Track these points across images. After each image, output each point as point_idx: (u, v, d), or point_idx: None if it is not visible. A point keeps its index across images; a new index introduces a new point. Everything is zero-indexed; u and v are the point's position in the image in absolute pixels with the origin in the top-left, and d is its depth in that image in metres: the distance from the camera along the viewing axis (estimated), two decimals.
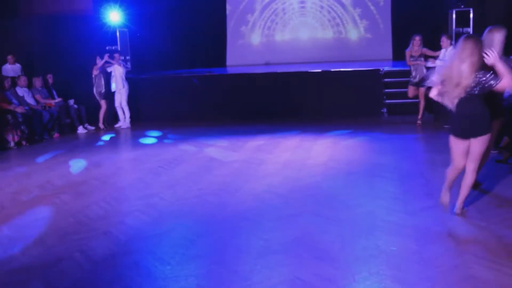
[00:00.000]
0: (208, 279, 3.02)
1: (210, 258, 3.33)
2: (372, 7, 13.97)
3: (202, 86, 10.26)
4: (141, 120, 10.20)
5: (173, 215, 4.32)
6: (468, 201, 4.13)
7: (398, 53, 12.93)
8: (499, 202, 4.13)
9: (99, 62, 9.41)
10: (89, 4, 10.95)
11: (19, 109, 8.25)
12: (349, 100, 9.35)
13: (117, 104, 9.71)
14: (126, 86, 9.66)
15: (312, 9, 14.41)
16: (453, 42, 9.10)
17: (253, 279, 2.97)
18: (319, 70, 9.86)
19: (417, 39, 7.88)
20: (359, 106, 9.34)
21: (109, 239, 3.80)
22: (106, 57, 9.48)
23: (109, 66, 9.59)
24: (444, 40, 7.57)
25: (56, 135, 8.99)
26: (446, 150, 6.23)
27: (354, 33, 14.30)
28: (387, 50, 13.72)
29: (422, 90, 7.88)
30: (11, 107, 8.21)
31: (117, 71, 9.54)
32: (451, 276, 2.86)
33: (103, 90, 9.53)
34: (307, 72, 9.96)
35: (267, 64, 10.73)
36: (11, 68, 10.38)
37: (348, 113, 9.25)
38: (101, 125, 9.65)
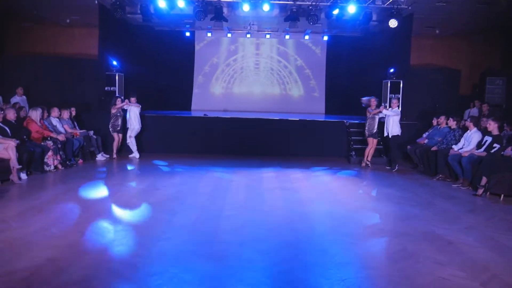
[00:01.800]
0: None
1: None
2: (310, 73, 17.45)
3: (197, 125, 12.17)
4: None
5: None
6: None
7: (329, 109, 16.54)
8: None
9: (119, 104, 10.81)
10: (95, 50, 12.29)
11: (61, 137, 9.31)
12: (324, 145, 11.95)
13: (129, 135, 11.03)
14: (140, 124, 11.13)
15: (264, 70, 17.48)
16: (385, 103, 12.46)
17: None
18: (297, 119, 12.23)
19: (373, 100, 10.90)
20: (332, 149, 11.94)
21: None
22: (126, 101, 10.90)
23: (127, 106, 10.98)
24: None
25: (80, 161, 10.04)
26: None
27: (295, 91, 17.55)
28: (321, 106, 17.17)
29: (375, 140, 10.68)
30: (53, 135, 9.26)
31: (132, 111, 10.96)
32: None
33: (119, 126, 10.88)
34: (287, 120, 12.20)
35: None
36: (20, 100, 11.21)
37: (324, 155, 11.85)
38: (114, 155, 10.91)
